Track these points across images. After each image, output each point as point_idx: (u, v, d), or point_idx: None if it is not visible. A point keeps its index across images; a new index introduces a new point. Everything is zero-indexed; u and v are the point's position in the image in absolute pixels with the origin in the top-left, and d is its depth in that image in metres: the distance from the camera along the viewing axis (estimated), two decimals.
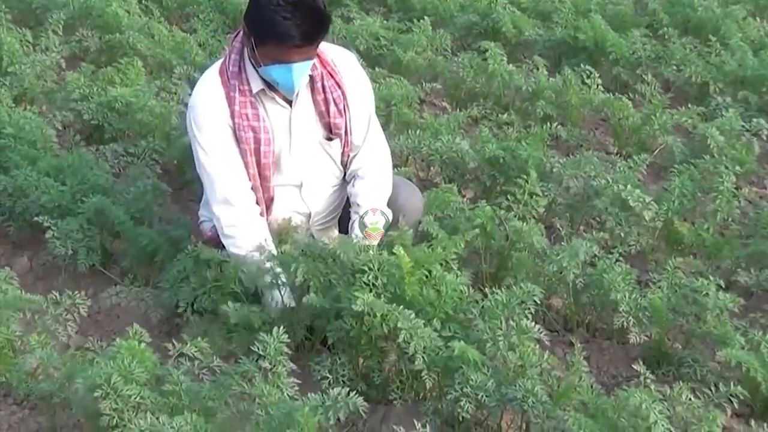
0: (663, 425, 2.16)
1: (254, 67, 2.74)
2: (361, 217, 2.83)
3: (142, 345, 2.32)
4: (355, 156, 2.95)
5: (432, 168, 4.04)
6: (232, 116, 2.76)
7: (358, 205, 2.89)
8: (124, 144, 3.90)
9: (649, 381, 2.40)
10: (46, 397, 2.44)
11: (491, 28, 5.51)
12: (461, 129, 4.22)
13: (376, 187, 2.92)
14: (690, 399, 2.37)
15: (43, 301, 2.72)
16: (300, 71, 2.67)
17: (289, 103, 2.82)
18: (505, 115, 4.51)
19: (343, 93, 2.84)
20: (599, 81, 4.55)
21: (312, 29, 2.61)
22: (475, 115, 4.46)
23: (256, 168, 2.80)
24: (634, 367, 2.49)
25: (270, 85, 2.77)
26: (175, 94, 4.23)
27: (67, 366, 2.43)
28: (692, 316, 2.88)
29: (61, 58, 4.64)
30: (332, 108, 2.83)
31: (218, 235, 2.88)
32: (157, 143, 3.84)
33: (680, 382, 2.52)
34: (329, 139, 2.88)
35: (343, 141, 2.90)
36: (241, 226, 2.80)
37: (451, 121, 4.15)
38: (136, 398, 2.17)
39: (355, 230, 2.84)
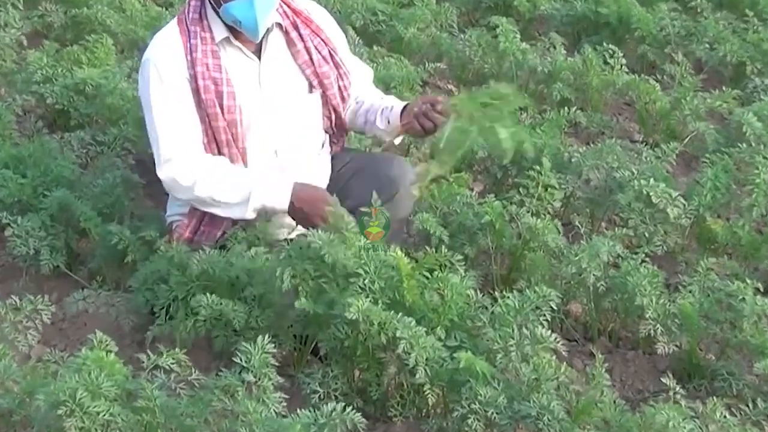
0: None
1: (216, 13, 2.81)
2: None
3: (112, 356, 2.31)
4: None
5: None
6: (193, 65, 2.81)
7: (386, 107, 3.02)
8: (92, 131, 3.89)
9: (678, 396, 2.41)
10: (4, 414, 2.43)
11: (502, 2, 5.51)
12: None
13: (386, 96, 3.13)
14: (725, 416, 2.38)
15: (1, 307, 2.72)
16: (263, 6, 2.75)
17: (258, 57, 2.88)
18: None
19: (323, 40, 2.97)
20: (623, 61, 4.54)
21: None
22: None
23: (225, 121, 2.84)
24: (662, 380, 2.49)
25: (234, 32, 2.84)
26: None
27: (28, 379, 2.42)
28: (727, 324, 2.88)
29: (22, 35, 4.64)
30: (315, 56, 2.95)
31: (195, 234, 2.91)
32: (129, 130, 3.83)
33: (713, 397, 2.52)
34: (310, 92, 2.97)
35: (329, 93, 2.98)
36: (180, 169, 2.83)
37: None
38: (104, 416, 2.16)
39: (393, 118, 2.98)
